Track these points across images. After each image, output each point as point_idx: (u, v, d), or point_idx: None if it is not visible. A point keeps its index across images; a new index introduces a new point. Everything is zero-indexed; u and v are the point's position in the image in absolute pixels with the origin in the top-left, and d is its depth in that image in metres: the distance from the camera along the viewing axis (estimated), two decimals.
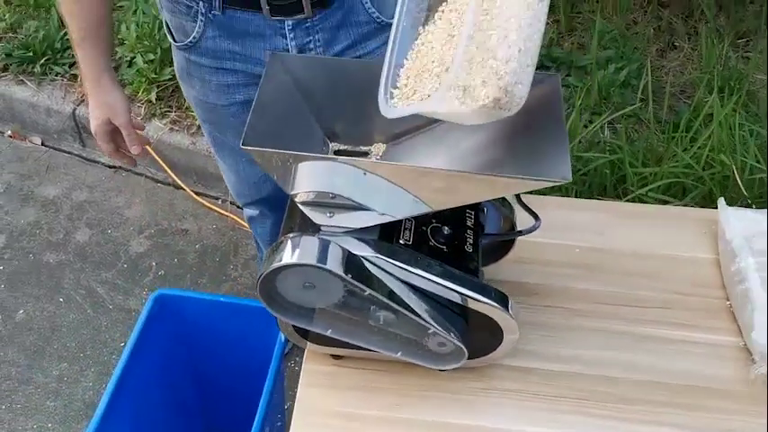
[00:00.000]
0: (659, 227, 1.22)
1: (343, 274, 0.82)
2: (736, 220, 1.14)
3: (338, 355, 1.02)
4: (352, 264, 0.84)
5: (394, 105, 0.80)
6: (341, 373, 1.01)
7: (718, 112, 1.98)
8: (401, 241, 0.89)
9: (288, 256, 0.83)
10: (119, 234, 2.30)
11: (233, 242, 2.27)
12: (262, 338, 1.47)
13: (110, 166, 2.52)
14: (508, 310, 0.89)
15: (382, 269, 0.86)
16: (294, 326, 0.95)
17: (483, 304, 0.88)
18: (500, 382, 1.00)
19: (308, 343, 0.99)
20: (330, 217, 0.86)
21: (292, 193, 0.84)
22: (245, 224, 2.30)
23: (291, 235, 0.86)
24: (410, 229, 0.90)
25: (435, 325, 0.87)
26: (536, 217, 1.02)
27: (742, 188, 1.89)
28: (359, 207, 0.85)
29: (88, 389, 1.90)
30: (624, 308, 1.10)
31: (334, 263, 0.83)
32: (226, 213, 2.34)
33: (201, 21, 1.22)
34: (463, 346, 0.89)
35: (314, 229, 0.87)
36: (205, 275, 2.17)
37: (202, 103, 1.38)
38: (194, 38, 1.25)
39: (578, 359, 1.03)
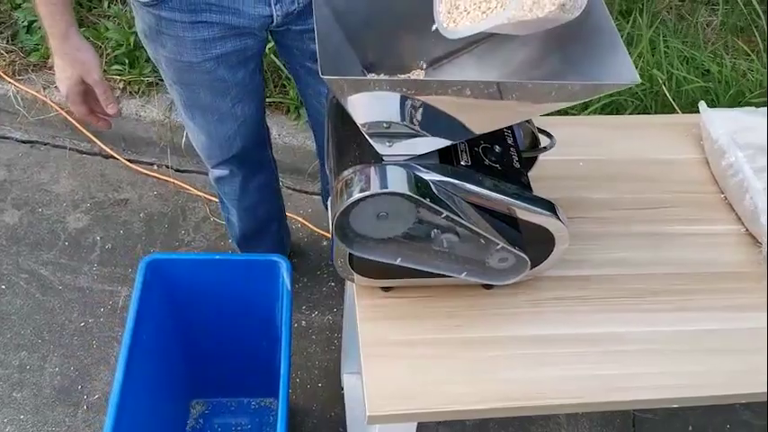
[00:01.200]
0: (646, 135, 1.30)
1: (422, 198, 0.83)
2: (719, 120, 1.23)
3: (387, 288, 1.02)
4: (425, 188, 0.84)
5: (452, 23, 0.81)
6: (392, 304, 1.01)
7: (646, 33, 2.10)
8: (462, 163, 0.90)
9: (362, 187, 0.83)
10: (51, 212, 2.15)
11: (179, 206, 2.18)
12: (258, 293, 1.45)
13: (24, 142, 2.34)
14: (562, 221, 0.93)
15: (449, 192, 0.87)
16: (350, 259, 0.95)
17: (543, 216, 0.92)
18: (543, 292, 1.05)
19: (358, 276, 0.99)
20: (390, 146, 0.86)
21: (360, 122, 0.82)
22: (189, 187, 2.23)
23: (359, 167, 0.85)
24: (466, 151, 0.91)
25: (502, 241, 0.90)
26: (549, 135, 1.06)
27: (670, 99, 2.03)
28: (417, 134, 0.85)
29: (56, 374, 1.79)
30: (637, 211, 1.17)
31: (409, 188, 0.83)
32: (166, 178, 2.24)
33: None
34: (527, 257, 0.92)
35: (376, 159, 0.87)
36: (156, 244, 2.08)
37: (175, 62, 1.31)
38: None
39: (608, 262, 1.09)
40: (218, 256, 1.40)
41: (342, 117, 0.94)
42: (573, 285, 1.06)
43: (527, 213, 0.92)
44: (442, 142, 0.86)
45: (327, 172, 1.08)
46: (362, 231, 0.86)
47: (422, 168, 0.86)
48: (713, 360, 1.00)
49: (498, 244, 0.90)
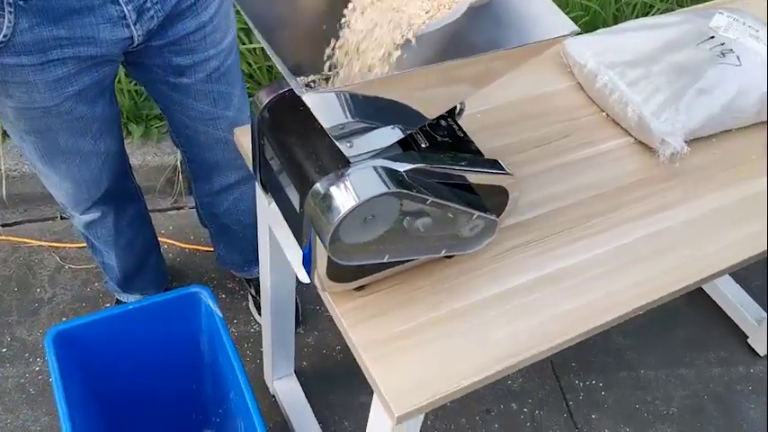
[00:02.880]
0: (517, 74, 1.36)
1: (405, 190, 0.82)
2: (581, 47, 1.33)
3: (360, 287, 1.00)
4: (403, 180, 0.83)
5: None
6: (370, 302, 1.00)
7: None
8: (423, 146, 0.89)
9: (346, 199, 0.79)
10: None
11: (23, 264, 1.95)
12: (181, 331, 1.36)
13: None
14: (511, 173, 0.96)
15: (420, 177, 0.86)
16: (329, 269, 0.92)
17: (499, 175, 0.94)
18: (497, 246, 1.07)
19: (332, 284, 0.96)
20: (350, 147, 0.83)
21: (328, 126, 0.79)
22: (26, 239, 1.99)
23: (331, 178, 0.81)
24: (419, 134, 0.91)
25: (474, 210, 0.91)
26: None
27: None
28: (374, 126, 0.84)
29: None
30: (540, 148, 1.24)
31: (391, 184, 0.81)
32: None
33: (10, 12, 1.01)
34: (496, 218, 0.95)
35: (341, 163, 0.84)
36: (13, 312, 1.85)
37: (26, 111, 1.16)
38: (5, 35, 1.03)
39: (538, 202, 1.14)
40: (131, 306, 1.28)
41: (285, 131, 0.90)
42: (520, 232, 1.10)
43: (485, 177, 0.94)
44: (403, 131, 0.85)
45: (267, 190, 1.02)
46: (353, 240, 0.84)
47: (391, 161, 0.85)
48: (659, 261, 1.09)
49: (473, 214, 0.91)
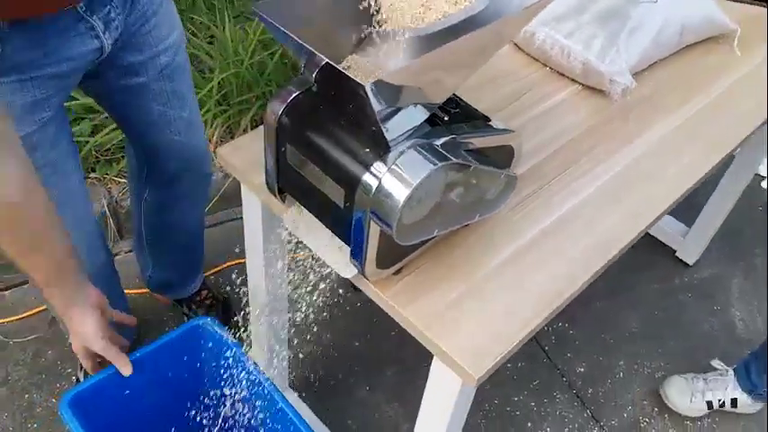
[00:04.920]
0: None
1: (449, 162, 0.85)
2: None
3: (398, 270, 1.02)
4: (443, 153, 0.86)
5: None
6: (410, 282, 1.02)
7: None
8: (446, 118, 0.93)
9: (401, 186, 0.82)
10: None
11: None
12: (188, 366, 1.32)
13: None
14: (513, 130, 1.02)
15: (452, 148, 0.90)
16: (378, 262, 0.94)
17: (507, 135, 1.00)
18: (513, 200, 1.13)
19: (377, 271, 0.98)
20: (387, 131, 0.86)
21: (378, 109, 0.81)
22: None
23: (376, 167, 0.84)
24: (438, 108, 0.94)
25: (500, 170, 0.96)
26: None
27: None
28: (401, 108, 0.86)
29: None
30: (506, 110, 1.31)
31: (436, 161, 0.84)
32: None
33: None
34: (515, 174, 1.00)
35: (382, 150, 0.86)
36: None
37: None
38: None
39: (525, 158, 1.21)
40: (138, 354, 1.22)
41: (311, 131, 0.90)
42: (522, 184, 1.16)
43: (498, 139, 0.99)
44: (430, 108, 0.89)
45: (284, 198, 1.02)
46: (412, 220, 0.86)
47: (425, 138, 0.88)
48: (648, 183, 1.20)
49: (501, 173, 0.96)
